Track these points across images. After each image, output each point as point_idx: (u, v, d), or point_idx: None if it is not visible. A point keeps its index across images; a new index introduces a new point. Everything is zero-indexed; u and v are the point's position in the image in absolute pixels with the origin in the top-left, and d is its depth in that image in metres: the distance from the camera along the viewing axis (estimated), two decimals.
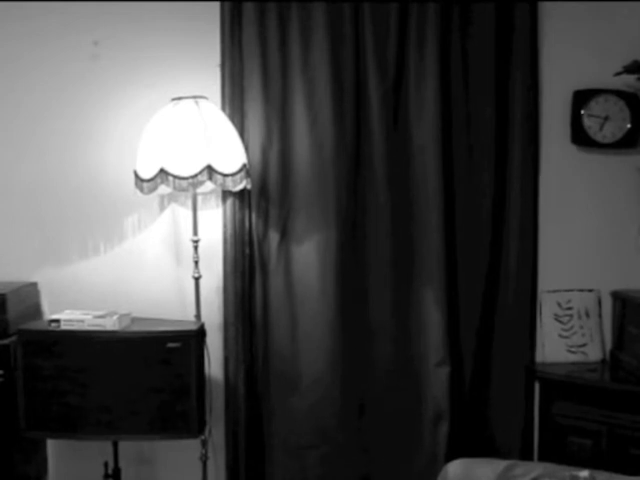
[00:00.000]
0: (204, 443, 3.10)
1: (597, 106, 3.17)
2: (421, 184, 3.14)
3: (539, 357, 3.24)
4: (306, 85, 3.11)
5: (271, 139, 3.15)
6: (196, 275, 3.07)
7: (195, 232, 3.05)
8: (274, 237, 3.18)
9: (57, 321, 2.82)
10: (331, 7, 3.09)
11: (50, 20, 3.18)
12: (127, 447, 3.07)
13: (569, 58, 3.18)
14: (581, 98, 3.17)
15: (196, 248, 3.05)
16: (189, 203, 3.09)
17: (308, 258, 3.15)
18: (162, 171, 2.88)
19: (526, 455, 3.17)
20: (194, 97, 2.98)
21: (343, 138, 3.13)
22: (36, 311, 3.21)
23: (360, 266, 3.20)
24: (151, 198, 3.14)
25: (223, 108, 3.11)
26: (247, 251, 3.16)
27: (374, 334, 3.20)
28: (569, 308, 3.24)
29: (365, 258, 3.20)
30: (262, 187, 3.16)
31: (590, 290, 3.25)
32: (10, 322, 2.94)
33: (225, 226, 3.17)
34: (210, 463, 3.15)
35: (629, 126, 3.17)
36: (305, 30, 3.10)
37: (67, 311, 2.93)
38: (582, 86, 3.17)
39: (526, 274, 3.19)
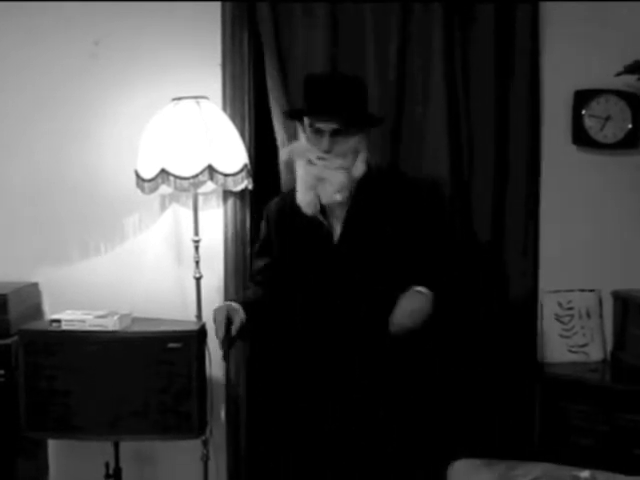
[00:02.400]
0: (205, 443, 3.10)
1: (598, 106, 3.17)
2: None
3: (540, 357, 3.24)
4: None
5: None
6: (197, 275, 3.07)
7: (196, 232, 3.05)
8: None
9: (58, 321, 2.82)
10: (333, 8, 3.10)
11: (50, 19, 3.18)
12: (128, 447, 3.07)
13: (570, 58, 3.17)
14: (582, 98, 3.17)
15: (197, 248, 3.05)
16: (190, 203, 3.08)
17: None
18: (163, 171, 2.88)
19: (527, 455, 3.16)
20: (195, 97, 2.99)
21: None
22: (37, 311, 3.21)
23: None
24: (152, 198, 3.14)
25: (224, 108, 3.11)
26: (248, 251, 3.17)
27: None
28: (570, 308, 3.24)
29: None
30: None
31: (591, 290, 3.25)
32: (11, 322, 2.94)
33: (226, 226, 3.17)
34: (211, 463, 3.14)
35: (630, 126, 3.17)
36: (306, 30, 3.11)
37: (68, 311, 2.93)
38: (583, 86, 3.17)
39: (527, 274, 3.19)
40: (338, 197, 2.49)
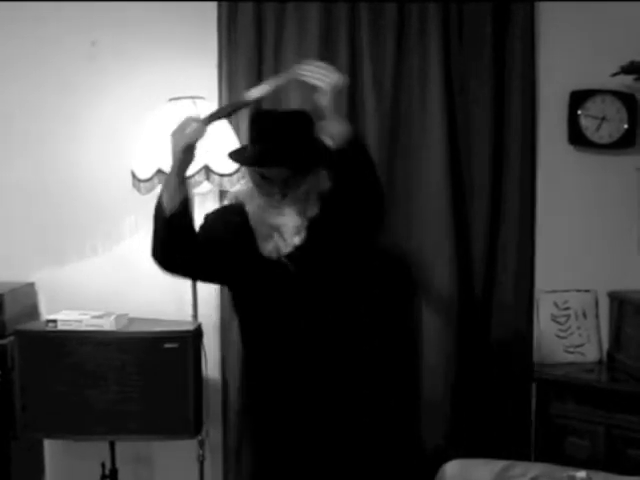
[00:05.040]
0: (201, 443, 3.09)
1: (594, 106, 3.17)
2: (423, 184, 3.15)
3: (536, 357, 3.24)
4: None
5: None
6: None
7: None
8: None
9: (54, 321, 2.82)
10: (326, 6, 3.10)
11: (47, 21, 3.18)
12: (124, 447, 3.07)
13: (566, 58, 3.18)
14: (578, 98, 3.18)
15: None
16: None
17: None
18: (159, 171, 2.88)
19: (523, 455, 3.16)
20: (191, 97, 2.98)
21: None
22: (33, 311, 3.21)
23: None
24: (148, 198, 3.13)
25: None
26: None
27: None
28: (566, 308, 3.24)
29: None
30: None
31: (587, 291, 3.26)
32: (7, 322, 2.94)
33: None
34: (207, 464, 3.14)
35: (626, 127, 3.18)
36: (300, 31, 3.12)
37: (64, 311, 2.93)
38: (579, 86, 3.18)
39: (523, 274, 3.19)
40: (297, 240, 2.32)
